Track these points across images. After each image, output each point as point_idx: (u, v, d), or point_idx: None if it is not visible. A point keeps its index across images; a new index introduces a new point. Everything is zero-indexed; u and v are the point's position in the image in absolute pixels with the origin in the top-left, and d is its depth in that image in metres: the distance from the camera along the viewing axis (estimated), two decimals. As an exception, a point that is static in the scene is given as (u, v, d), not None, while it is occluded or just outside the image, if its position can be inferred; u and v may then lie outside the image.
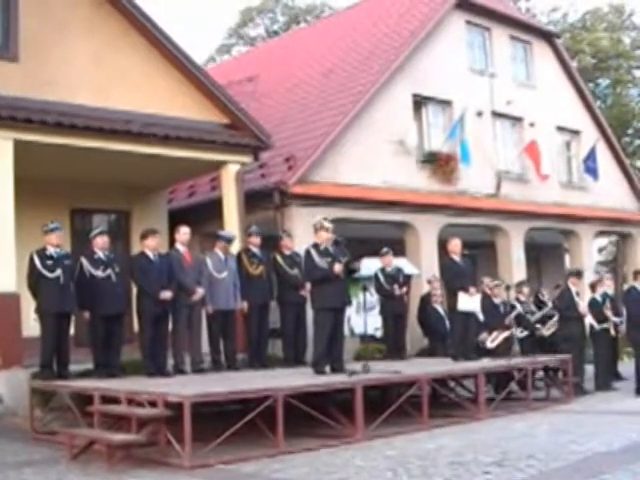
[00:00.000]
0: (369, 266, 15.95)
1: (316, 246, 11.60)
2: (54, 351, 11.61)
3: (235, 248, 14.46)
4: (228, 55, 46.71)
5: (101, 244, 12.15)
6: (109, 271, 11.98)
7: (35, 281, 11.58)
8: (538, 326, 16.72)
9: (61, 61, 13.77)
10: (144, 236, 12.34)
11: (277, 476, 8.00)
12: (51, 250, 11.72)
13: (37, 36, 13.56)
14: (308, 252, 11.63)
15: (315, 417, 9.99)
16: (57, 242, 11.87)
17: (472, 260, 14.92)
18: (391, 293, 15.35)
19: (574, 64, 31.79)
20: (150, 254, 12.18)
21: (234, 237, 14.21)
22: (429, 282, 17.35)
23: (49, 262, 11.58)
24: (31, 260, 11.62)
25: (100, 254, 12.06)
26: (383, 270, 15.58)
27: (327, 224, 11.74)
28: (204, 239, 17.04)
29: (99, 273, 11.90)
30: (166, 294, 11.94)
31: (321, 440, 9.91)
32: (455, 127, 21.05)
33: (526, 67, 25.10)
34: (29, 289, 11.78)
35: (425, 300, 17.08)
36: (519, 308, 16.46)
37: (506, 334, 15.34)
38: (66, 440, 9.49)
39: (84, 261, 11.93)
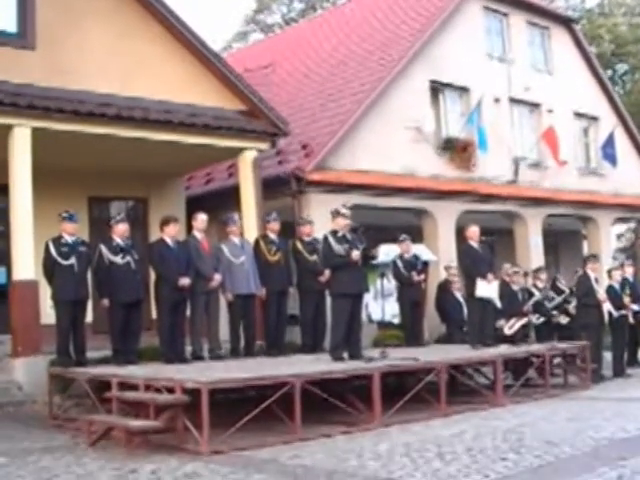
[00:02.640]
0: (386, 253, 15.93)
1: (334, 233, 11.55)
2: (70, 338, 11.68)
3: (253, 234, 14.46)
4: (245, 42, 46.59)
5: (122, 231, 12.17)
6: (128, 258, 12.02)
7: (50, 269, 11.64)
8: (555, 313, 16.65)
9: (78, 49, 13.76)
10: (165, 223, 12.34)
11: (294, 462, 7.99)
12: (67, 238, 11.78)
13: (54, 24, 13.56)
14: (326, 239, 11.59)
15: (332, 404, 9.97)
16: (72, 230, 11.92)
17: (490, 247, 14.84)
18: (409, 280, 15.30)
19: (592, 50, 31.54)
20: (169, 241, 12.19)
21: (238, 217, 14.18)
22: (446, 269, 17.32)
23: (64, 250, 11.64)
24: (46, 248, 11.71)
25: (119, 241, 12.09)
26: (401, 257, 15.52)
27: (345, 210, 11.71)
28: (221, 226, 17.02)
29: (118, 260, 11.94)
30: (185, 281, 11.96)
31: (338, 427, 9.89)
32: (472, 114, 20.93)
33: (544, 53, 24.90)
34: (45, 276, 11.85)
35: (443, 287, 17.04)
36: (537, 295, 16.39)
37: (524, 321, 15.29)
38: (84, 426, 9.53)
39: (103, 248, 11.97)
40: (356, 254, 11.25)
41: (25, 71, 13.05)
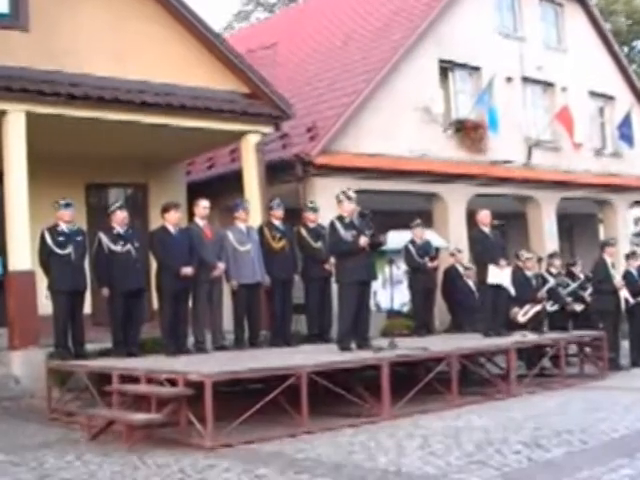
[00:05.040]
0: (395, 239, 15.90)
1: (341, 218, 11.52)
2: (67, 330, 11.71)
3: (256, 221, 14.47)
4: (247, 22, 46.49)
5: (121, 219, 12.18)
6: (128, 246, 12.02)
7: (46, 258, 11.65)
8: (569, 300, 16.63)
9: (74, 30, 13.72)
10: (166, 209, 12.32)
11: (301, 456, 8.01)
12: (63, 226, 11.80)
13: (48, 4, 13.51)
14: (333, 224, 11.55)
15: (340, 395, 9.98)
16: (69, 218, 11.94)
17: (502, 232, 14.85)
18: (423, 266, 15.29)
19: (608, 26, 31.38)
20: (171, 228, 12.19)
21: (247, 202, 14.19)
22: (452, 255, 17.29)
23: (60, 239, 11.66)
24: (42, 237, 11.75)
25: (119, 229, 12.09)
26: (413, 242, 15.51)
27: (351, 194, 11.68)
28: (224, 213, 17.02)
29: (118, 248, 11.94)
30: (187, 270, 11.95)
31: (346, 419, 9.90)
32: (483, 94, 20.85)
33: (557, 30, 24.77)
34: (41, 266, 11.88)
35: (449, 273, 17.01)
36: (551, 281, 16.37)
37: (538, 308, 15.28)
38: (84, 421, 9.58)
39: (102, 236, 11.97)
40: (364, 240, 11.23)
41: (18, 54, 13.00)
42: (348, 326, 11.30)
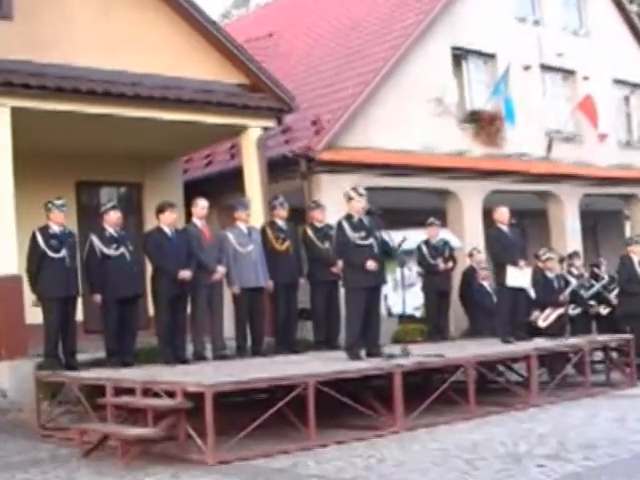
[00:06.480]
0: (407, 239, 15.86)
1: (349, 218, 11.49)
2: (59, 339, 11.68)
3: (258, 221, 14.46)
4: (245, 9, 46.57)
5: (114, 220, 12.14)
6: (122, 249, 11.99)
7: (37, 262, 11.61)
8: (592, 303, 16.59)
9: (62, 18, 13.73)
10: (161, 210, 12.31)
11: (310, 472, 8.00)
12: (55, 228, 11.75)
13: (34, -10, 13.55)
14: (340, 224, 11.51)
15: (349, 406, 9.97)
16: (61, 220, 11.90)
17: (521, 230, 14.80)
18: (434, 268, 15.26)
19: (633, 8, 31.34)
20: (167, 230, 12.18)
21: (249, 201, 14.18)
22: (470, 255, 17.25)
23: (53, 241, 11.61)
24: (33, 238, 11.64)
25: (111, 231, 12.06)
26: (427, 242, 15.48)
27: (362, 191, 11.63)
28: (223, 213, 17.02)
29: (111, 252, 11.91)
30: (185, 274, 11.94)
31: (357, 432, 9.92)
32: (499, 83, 20.84)
33: (579, 14, 24.70)
34: (27, 271, 11.81)
35: (468, 275, 16.98)
36: (574, 283, 16.33)
37: (560, 312, 15.25)
38: (76, 436, 9.54)
39: (94, 239, 11.93)
40: (372, 264, 11.18)
41: (1, 44, 12.98)
42: (356, 333, 11.28)
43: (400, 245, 12.43)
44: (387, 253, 11.85)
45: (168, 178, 18.27)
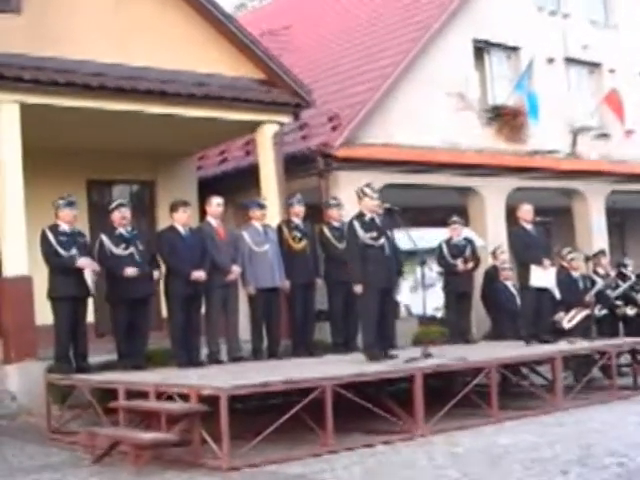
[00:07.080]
0: (427, 237, 15.81)
1: (360, 216, 11.44)
2: (70, 341, 11.67)
3: (274, 219, 14.44)
4: (260, 1, 46.56)
5: (119, 218, 12.10)
6: (131, 249, 11.97)
7: (52, 260, 11.56)
8: (619, 303, 16.52)
9: (72, 12, 13.76)
10: (174, 208, 12.29)
11: (326, 478, 7.97)
12: (64, 227, 11.73)
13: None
14: (351, 224, 11.47)
15: (368, 410, 9.94)
16: (72, 219, 11.86)
17: (546, 229, 14.76)
18: (453, 268, 15.20)
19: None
20: (181, 229, 12.17)
21: (265, 199, 14.16)
22: (493, 255, 17.17)
23: (63, 239, 11.57)
24: (44, 237, 11.57)
25: (121, 230, 12.05)
26: (448, 241, 15.42)
27: (373, 189, 11.59)
28: (238, 211, 17.03)
29: (120, 251, 11.89)
30: (199, 274, 11.93)
31: (375, 436, 9.86)
32: (522, 77, 20.78)
33: (604, 5, 24.65)
34: (50, 270, 11.69)
35: (490, 275, 16.91)
36: (600, 283, 16.25)
37: (585, 313, 15.19)
38: (87, 441, 9.57)
39: (104, 238, 11.92)
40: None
41: (10, 38, 13.00)
42: (373, 334, 11.26)
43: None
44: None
45: (181, 176, 18.29)
